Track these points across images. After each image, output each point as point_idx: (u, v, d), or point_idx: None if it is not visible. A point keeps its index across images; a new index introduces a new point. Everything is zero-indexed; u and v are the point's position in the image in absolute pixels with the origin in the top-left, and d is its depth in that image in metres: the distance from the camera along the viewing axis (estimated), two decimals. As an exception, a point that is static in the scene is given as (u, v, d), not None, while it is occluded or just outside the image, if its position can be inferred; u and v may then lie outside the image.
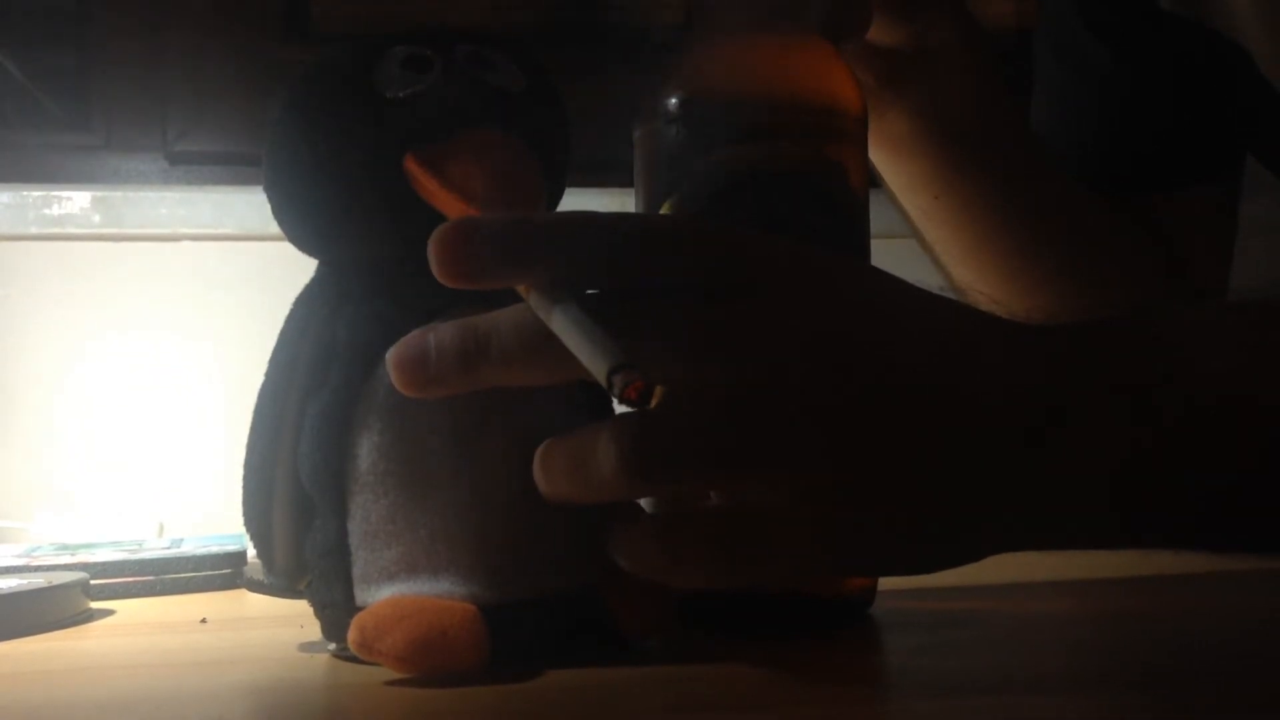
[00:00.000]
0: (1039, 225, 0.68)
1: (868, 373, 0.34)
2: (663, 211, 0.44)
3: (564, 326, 0.32)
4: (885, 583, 0.46)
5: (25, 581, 0.50)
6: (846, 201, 0.44)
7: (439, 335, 0.34)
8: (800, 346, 0.34)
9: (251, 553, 0.42)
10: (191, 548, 0.63)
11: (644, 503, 0.53)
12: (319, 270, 0.41)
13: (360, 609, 0.37)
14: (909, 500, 0.34)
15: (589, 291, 0.34)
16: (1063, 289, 0.69)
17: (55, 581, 0.50)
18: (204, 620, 0.50)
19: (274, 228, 0.41)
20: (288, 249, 0.41)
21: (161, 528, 0.94)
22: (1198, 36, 0.69)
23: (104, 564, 0.58)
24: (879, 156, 0.61)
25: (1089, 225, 0.71)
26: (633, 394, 0.30)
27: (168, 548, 0.64)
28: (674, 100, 0.44)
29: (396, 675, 0.36)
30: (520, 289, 0.34)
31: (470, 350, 0.34)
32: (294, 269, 0.42)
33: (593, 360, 0.31)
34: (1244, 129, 0.73)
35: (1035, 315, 0.37)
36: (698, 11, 0.47)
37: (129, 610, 0.54)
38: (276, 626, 0.47)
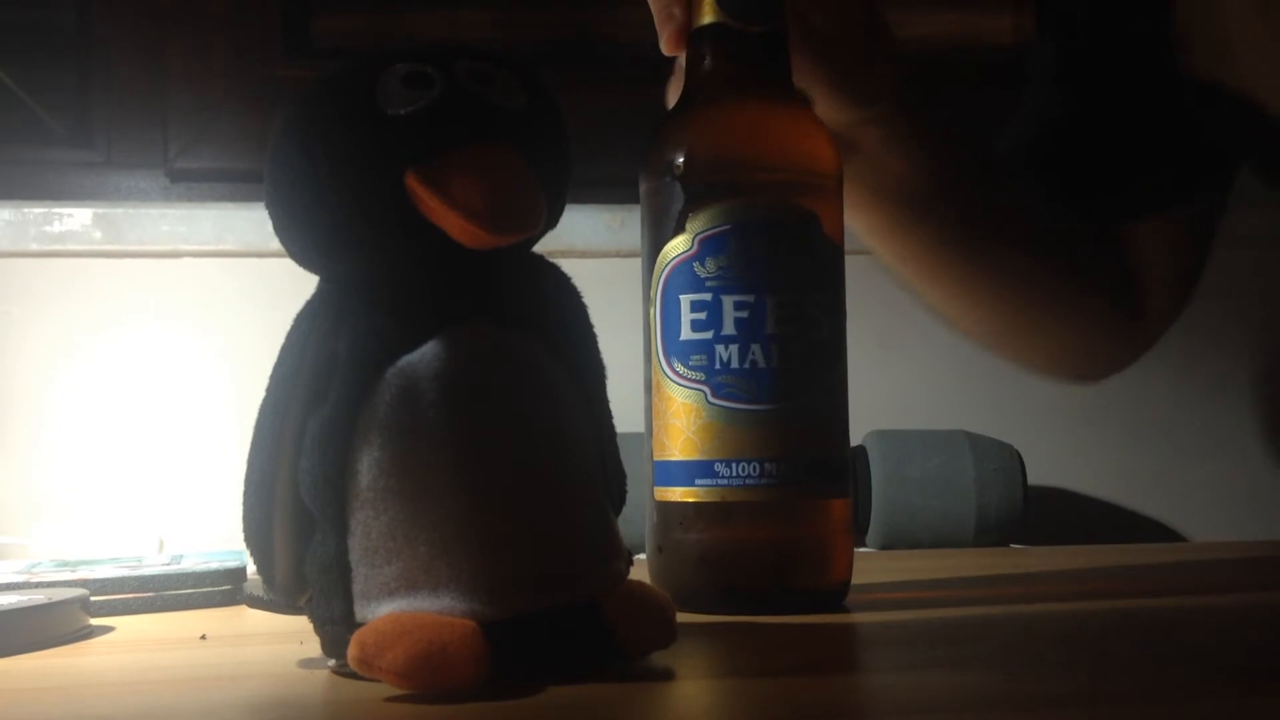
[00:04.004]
0: (1008, 263, 0.72)
1: None
2: (658, 264, 0.52)
3: None
4: (879, 580, 0.46)
5: (25, 598, 0.50)
6: (819, 246, 0.53)
7: None
8: None
9: (251, 569, 0.42)
10: (191, 564, 0.63)
11: (646, 507, 0.53)
12: (320, 286, 0.41)
13: (360, 625, 0.37)
14: None
15: None
16: (1042, 325, 0.75)
17: (55, 598, 0.50)
18: (204, 636, 0.50)
19: (275, 244, 0.41)
20: (288, 265, 0.41)
21: (161, 544, 0.94)
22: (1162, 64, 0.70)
23: (104, 580, 0.57)
24: None
25: (1061, 259, 0.74)
26: None
27: (168, 564, 0.64)
28: (670, 159, 0.52)
29: (397, 691, 0.36)
30: None
31: None
32: (295, 285, 0.42)
33: None
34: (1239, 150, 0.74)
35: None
36: (692, 81, 0.54)
37: (129, 627, 0.54)
38: (276, 643, 0.47)
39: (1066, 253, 0.74)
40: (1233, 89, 0.68)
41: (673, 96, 0.58)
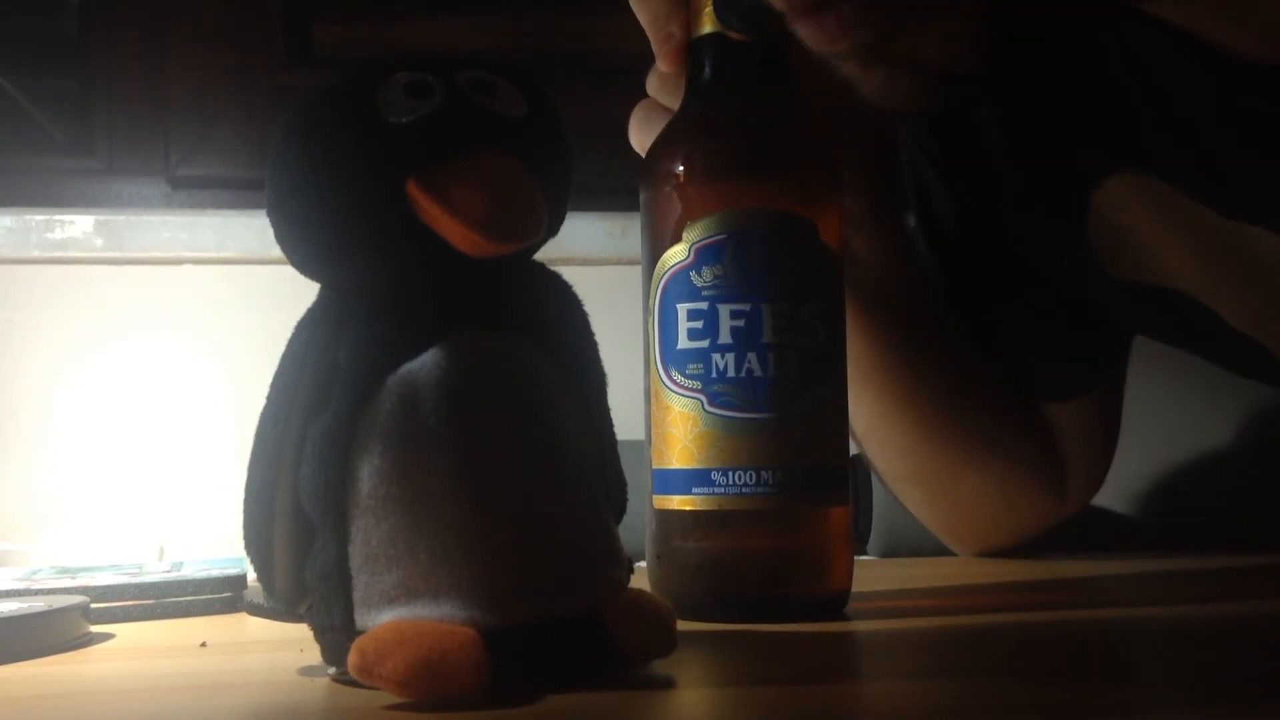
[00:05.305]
0: (937, 389, 0.72)
1: None
2: (656, 273, 0.53)
3: None
4: (881, 588, 0.46)
5: (25, 605, 0.50)
6: (816, 254, 0.53)
7: None
8: None
9: (252, 576, 0.42)
10: (192, 571, 0.63)
11: (647, 515, 0.53)
12: (321, 294, 0.41)
13: (360, 633, 0.37)
14: None
15: None
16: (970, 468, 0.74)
17: (55, 605, 0.50)
18: (204, 644, 0.50)
19: (276, 251, 0.41)
20: (289, 272, 0.41)
21: (162, 551, 0.94)
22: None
23: (104, 587, 0.57)
24: None
25: (987, 405, 0.74)
26: None
27: (168, 571, 0.64)
28: (669, 168, 0.53)
29: (397, 700, 0.36)
30: None
31: None
32: (296, 292, 0.42)
33: None
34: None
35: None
36: (691, 90, 0.55)
37: (129, 634, 0.54)
38: (276, 650, 0.47)
39: (993, 399, 0.74)
40: (1140, 280, 0.67)
41: (659, 93, 0.58)
